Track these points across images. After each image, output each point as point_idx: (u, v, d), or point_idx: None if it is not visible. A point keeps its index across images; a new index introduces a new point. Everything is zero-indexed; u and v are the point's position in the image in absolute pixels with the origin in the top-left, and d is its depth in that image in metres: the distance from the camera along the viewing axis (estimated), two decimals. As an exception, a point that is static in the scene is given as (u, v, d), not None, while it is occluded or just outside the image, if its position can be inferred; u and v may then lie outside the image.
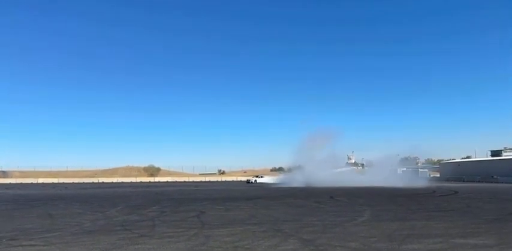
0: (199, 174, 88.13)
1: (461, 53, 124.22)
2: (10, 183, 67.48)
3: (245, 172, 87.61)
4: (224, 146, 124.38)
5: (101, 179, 76.80)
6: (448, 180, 59.88)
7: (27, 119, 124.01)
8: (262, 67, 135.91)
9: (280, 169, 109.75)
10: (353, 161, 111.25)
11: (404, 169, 68.03)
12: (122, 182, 69.19)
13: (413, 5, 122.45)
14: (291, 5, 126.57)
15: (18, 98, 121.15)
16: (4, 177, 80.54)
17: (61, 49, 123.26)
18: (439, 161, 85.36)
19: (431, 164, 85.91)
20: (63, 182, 69.49)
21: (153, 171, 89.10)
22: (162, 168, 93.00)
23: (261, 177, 64.05)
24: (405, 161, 74.93)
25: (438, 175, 72.95)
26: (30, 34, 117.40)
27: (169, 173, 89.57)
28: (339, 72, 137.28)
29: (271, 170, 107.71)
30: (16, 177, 79.06)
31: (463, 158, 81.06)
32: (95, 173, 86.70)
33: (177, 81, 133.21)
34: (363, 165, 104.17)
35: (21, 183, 67.38)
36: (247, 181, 62.17)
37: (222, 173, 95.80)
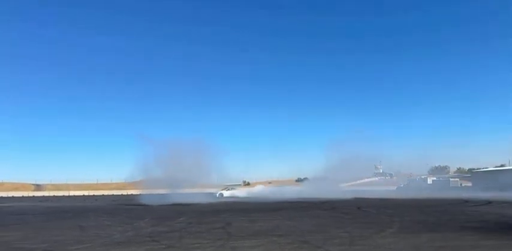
0: (225, 185, 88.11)
1: (487, 57, 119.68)
2: (43, 196, 69.79)
3: (270, 183, 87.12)
4: (250, 156, 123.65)
5: (129, 191, 78.29)
6: (483, 190, 56.98)
7: (58, 133, 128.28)
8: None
9: (305, 180, 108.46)
10: (381, 170, 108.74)
11: (435, 178, 65.93)
12: (150, 194, 70.16)
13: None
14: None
15: (47, 112, 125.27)
16: (38, 190, 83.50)
17: (84, 61, 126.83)
18: (470, 170, 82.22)
19: (463, 173, 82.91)
20: (94, 195, 71.24)
21: (175, 183, 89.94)
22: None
23: (232, 189, 53.75)
24: (435, 170, 72.66)
25: (470, 185, 70.09)
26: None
27: (193, 185, 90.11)
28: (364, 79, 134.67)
29: (296, 181, 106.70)
30: (49, 190, 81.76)
31: (496, 167, 77.70)
32: (123, 186, 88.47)
33: (193, 90, 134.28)
34: (391, 175, 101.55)
35: (54, 195, 69.56)
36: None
37: (247, 184, 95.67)
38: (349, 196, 37.58)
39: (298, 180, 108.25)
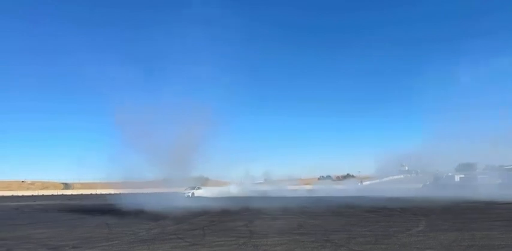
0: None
1: None
2: (72, 194, 71.97)
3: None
4: (273, 154, 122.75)
5: (154, 190, 79.56)
6: None
7: (86, 134, 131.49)
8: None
9: (328, 178, 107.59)
10: (406, 168, 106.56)
11: (462, 175, 64.08)
12: (174, 193, 71.22)
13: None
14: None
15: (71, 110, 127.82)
16: (66, 188, 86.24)
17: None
18: (500, 167, 79.33)
19: (492, 170, 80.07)
20: (120, 193, 72.83)
21: (202, 181, 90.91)
22: (210, 178, 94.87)
23: (199, 188, 48.11)
24: (462, 167, 70.50)
25: (500, 182, 67.72)
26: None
27: (216, 183, 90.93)
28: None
29: (319, 179, 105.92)
30: (77, 188, 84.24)
31: (529, 163, 74.65)
32: (148, 184, 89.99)
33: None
34: (417, 172, 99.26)
35: (82, 194, 71.59)
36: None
37: (269, 182, 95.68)
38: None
39: (321, 178, 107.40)
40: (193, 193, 45.50)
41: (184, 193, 43.62)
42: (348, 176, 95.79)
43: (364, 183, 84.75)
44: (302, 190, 57.17)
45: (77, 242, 10.34)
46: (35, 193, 74.05)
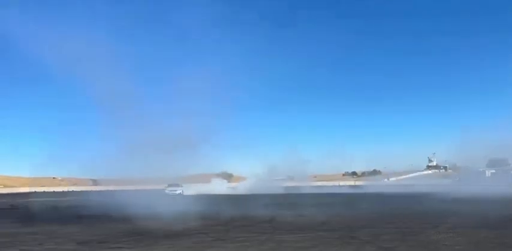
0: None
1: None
2: (100, 190, 74.14)
3: (315, 177, 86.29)
4: (294, 150, 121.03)
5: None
6: None
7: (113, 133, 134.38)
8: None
9: (353, 174, 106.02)
10: (435, 163, 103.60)
11: (494, 171, 61.97)
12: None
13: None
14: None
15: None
16: (94, 185, 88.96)
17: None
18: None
19: None
20: (144, 189, 74.34)
21: (225, 177, 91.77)
22: (234, 174, 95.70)
23: (179, 186, 42.41)
24: (494, 162, 68.26)
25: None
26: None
27: (240, 179, 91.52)
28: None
29: (343, 175, 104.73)
30: (105, 185, 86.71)
31: None
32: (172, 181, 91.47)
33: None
34: (445, 167, 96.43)
35: (109, 190, 73.56)
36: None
37: (292, 178, 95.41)
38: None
39: (346, 174, 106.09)
40: (182, 191, 40.90)
41: (176, 191, 39.78)
42: (374, 172, 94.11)
43: (390, 179, 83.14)
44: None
45: (104, 237, 10.56)
46: (65, 189, 76.74)
